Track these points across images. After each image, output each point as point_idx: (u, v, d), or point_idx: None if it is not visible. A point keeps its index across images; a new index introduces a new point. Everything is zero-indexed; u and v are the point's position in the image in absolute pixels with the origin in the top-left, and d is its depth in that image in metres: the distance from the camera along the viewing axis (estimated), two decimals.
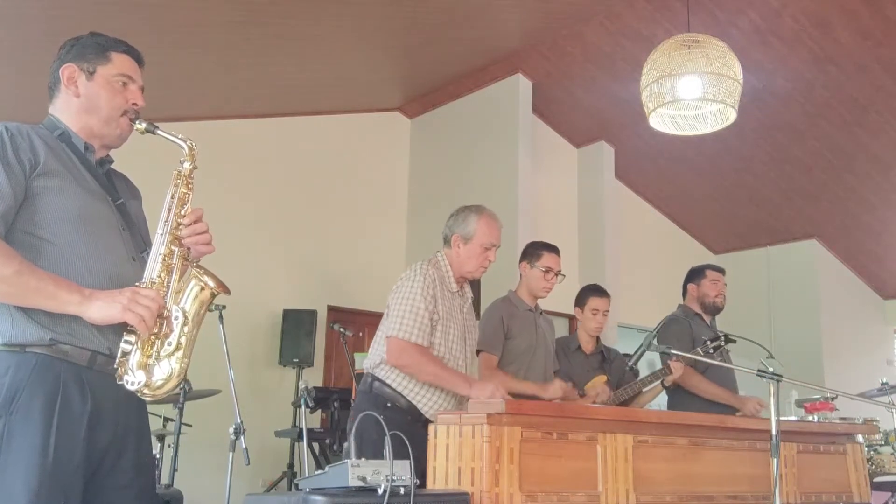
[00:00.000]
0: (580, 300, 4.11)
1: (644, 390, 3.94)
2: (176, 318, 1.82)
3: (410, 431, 2.26)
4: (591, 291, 4.12)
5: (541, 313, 3.81)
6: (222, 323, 4.11)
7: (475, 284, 5.33)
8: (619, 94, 6.84)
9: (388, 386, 2.90)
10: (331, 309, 6.82)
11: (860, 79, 6.24)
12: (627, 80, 6.33)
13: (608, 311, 4.07)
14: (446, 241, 3.09)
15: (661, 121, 4.66)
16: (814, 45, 5.94)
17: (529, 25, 6.31)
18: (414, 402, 2.87)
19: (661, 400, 4.47)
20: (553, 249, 3.77)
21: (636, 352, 3.07)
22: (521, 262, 3.81)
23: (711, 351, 3.72)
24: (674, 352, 3.13)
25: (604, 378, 3.94)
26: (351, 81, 6.89)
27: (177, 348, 1.81)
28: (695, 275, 4.30)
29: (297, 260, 6.77)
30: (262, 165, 6.78)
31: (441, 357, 2.90)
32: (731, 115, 4.49)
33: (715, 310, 4.25)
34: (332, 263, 6.99)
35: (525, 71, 6.92)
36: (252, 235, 6.41)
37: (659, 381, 3.89)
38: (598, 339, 4.13)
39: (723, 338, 3.79)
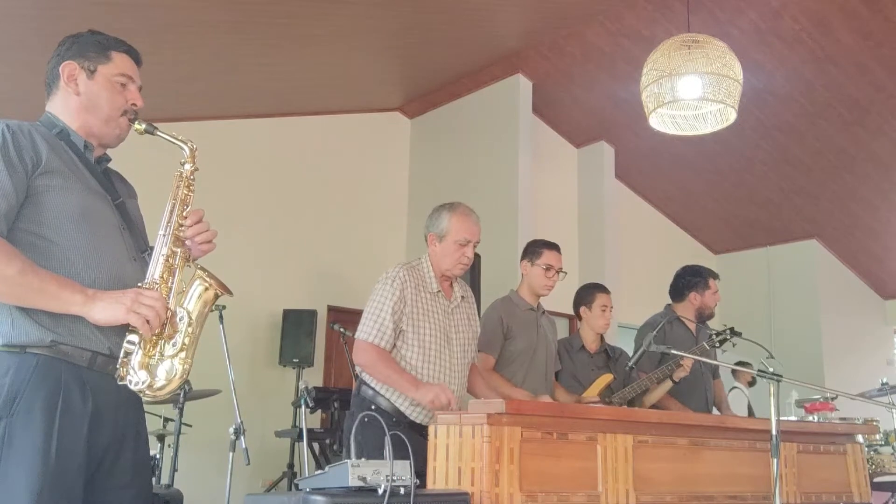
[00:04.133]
0: (585, 299, 4.08)
1: (652, 388, 3.91)
2: (181, 318, 1.82)
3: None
4: (597, 288, 4.11)
5: (543, 313, 3.79)
6: (222, 323, 4.12)
7: (475, 285, 5.33)
8: (619, 94, 6.84)
9: (371, 388, 2.91)
10: (331, 309, 6.82)
11: (860, 79, 6.24)
12: (627, 80, 6.33)
13: (612, 306, 4.09)
14: (426, 241, 3.09)
15: (661, 121, 4.66)
16: (814, 45, 5.93)
17: (529, 25, 6.30)
18: (395, 403, 2.86)
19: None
20: (553, 247, 3.76)
21: (635, 352, 3.07)
22: (521, 260, 3.80)
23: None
24: (674, 352, 3.13)
25: (609, 377, 3.89)
26: (351, 81, 6.88)
27: (181, 349, 1.80)
28: (697, 283, 4.26)
29: (297, 260, 6.77)
30: (262, 165, 6.78)
31: (409, 357, 2.89)
32: (731, 115, 4.49)
33: (708, 318, 4.31)
34: (332, 264, 6.99)
35: (525, 71, 6.92)
36: (252, 235, 6.41)
37: (667, 378, 3.87)
38: (602, 337, 4.12)
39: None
